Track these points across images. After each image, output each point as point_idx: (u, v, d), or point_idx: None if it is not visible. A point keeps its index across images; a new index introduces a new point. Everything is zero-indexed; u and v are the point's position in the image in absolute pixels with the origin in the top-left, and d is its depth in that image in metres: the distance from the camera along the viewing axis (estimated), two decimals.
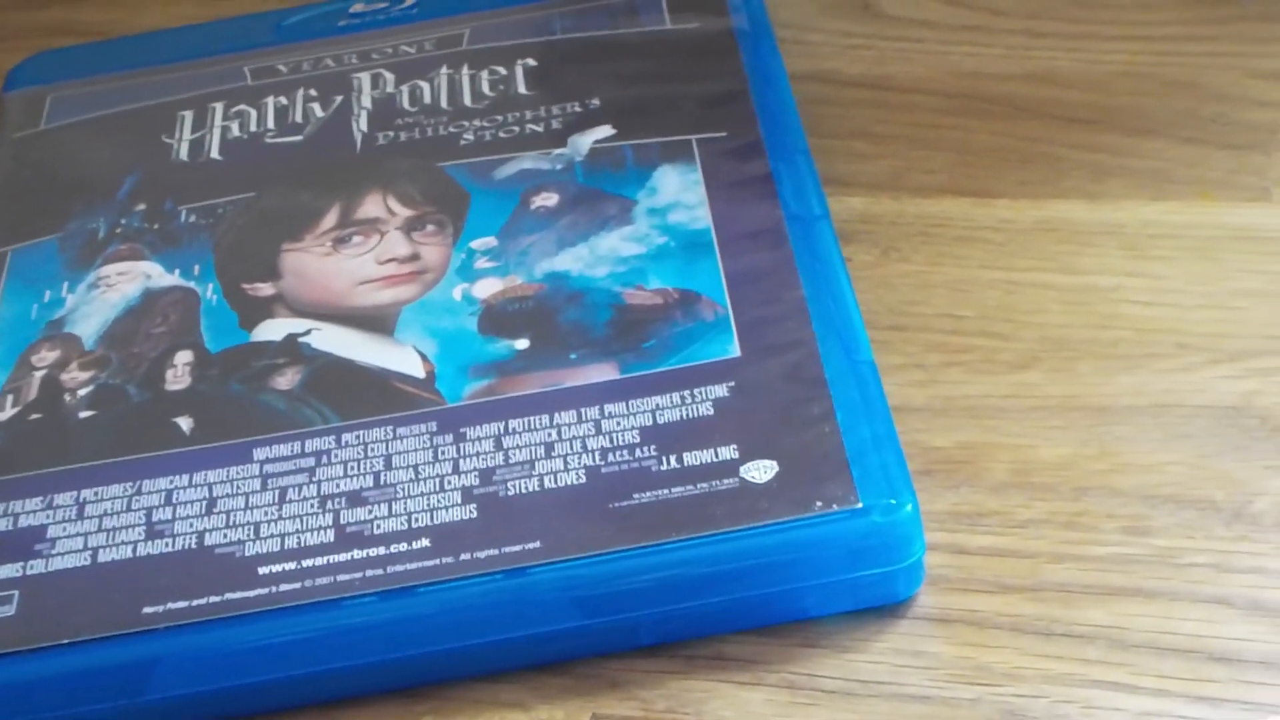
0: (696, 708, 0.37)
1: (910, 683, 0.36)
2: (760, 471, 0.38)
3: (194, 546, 0.39)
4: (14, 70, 0.54)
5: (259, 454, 0.40)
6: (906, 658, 0.37)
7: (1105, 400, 0.41)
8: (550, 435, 0.40)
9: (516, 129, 0.48)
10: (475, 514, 0.38)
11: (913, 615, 0.38)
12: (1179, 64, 0.49)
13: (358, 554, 0.38)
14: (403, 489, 0.39)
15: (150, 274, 0.46)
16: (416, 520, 0.38)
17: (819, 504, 0.37)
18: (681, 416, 0.39)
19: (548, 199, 0.46)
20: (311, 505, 0.39)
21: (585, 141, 0.47)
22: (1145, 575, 0.38)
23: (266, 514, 0.39)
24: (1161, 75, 0.49)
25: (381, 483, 0.39)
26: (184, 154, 0.49)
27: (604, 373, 0.41)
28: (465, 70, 0.50)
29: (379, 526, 0.38)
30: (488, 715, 0.37)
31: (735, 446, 0.39)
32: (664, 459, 0.39)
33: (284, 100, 0.51)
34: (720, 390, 0.40)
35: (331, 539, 0.38)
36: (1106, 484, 0.39)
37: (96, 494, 0.40)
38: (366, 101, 0.50)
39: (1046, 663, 0.36)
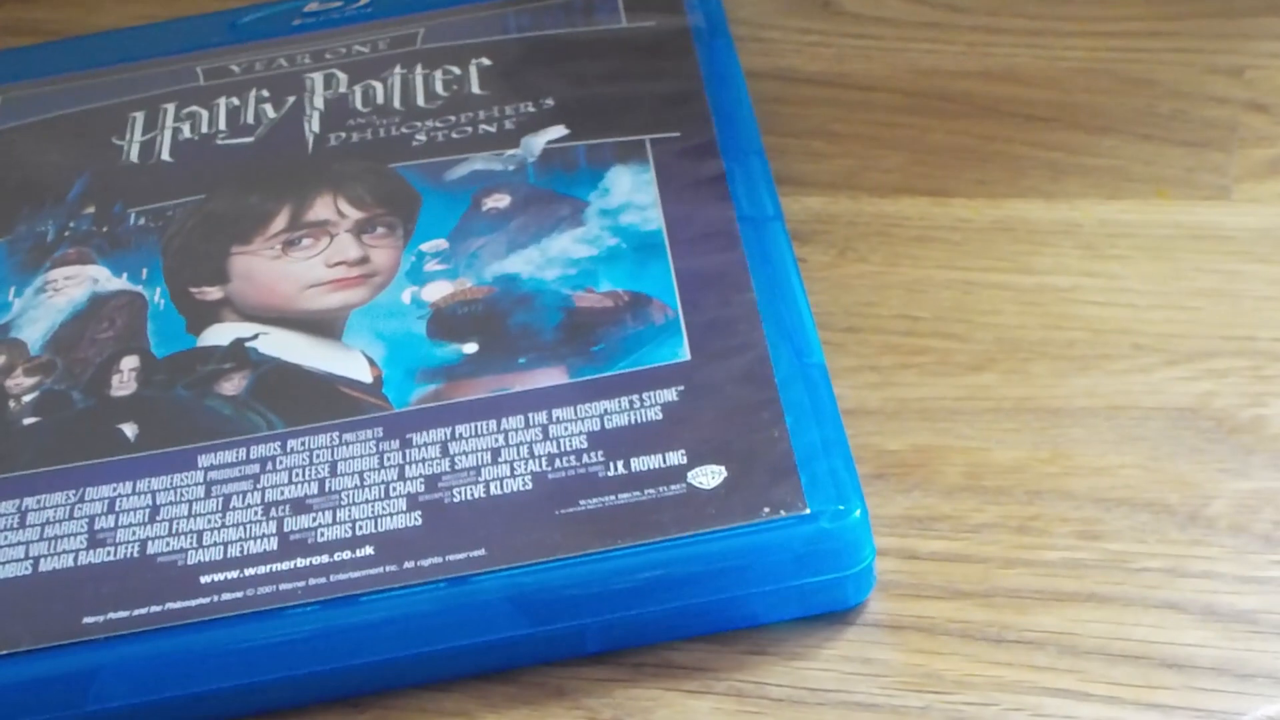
0: (644, 716, 0.36)
1: (859, 690, 0.36)
2: (708, 477, 0.37)
3: (136, 555, 0.38)
4: None
5: (203, 461, 0.40)
6: (856, 665, 0.36)
7: (1059, 402, 0.41)
8: (497, 441, 0.39)
9: (469, 129, 0.48)
10: (420, 521, 0.38)
11: (862, 622, 0.37)
12: (1137, 60, 0.49)
13: (301, 562, 0.37)
14: (347, 496, 0.39)
15: (98, 278, 0.45)
16: (361, 528, 0.38)
17: (766, 510, 0.37)
18: (630, 421, 0.39)
19: (499, 200, 0.45)
20: (255, 513, 0.39)
21: (538, 142, 0.47)
22: (1097, 580, 0.37)
23: (210, 522, 0.39)
24: (1119, 72, 0.49)
25: (326, 490, 0.39)
26: (134, 156, 0.49)
27: (552, 377, 0.40)
28: (419, 70, 0.50)
29: (323, 534, 0.38)
30: None
31: (683, 452, 0.38)
32: (611, 464, 0.38)
33: (236, 101, 0.50)
34: (669, 394, 0.39)
35: (275, 547, 0.38)
36: (1059, 487, 0.39)
37: (39, 502, 0.40)
38: (319, 102, 0.50)
39: (997, 670, 0.36)
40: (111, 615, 0.37)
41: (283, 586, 0.37)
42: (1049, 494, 0.39)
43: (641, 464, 0.38)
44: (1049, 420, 0.40)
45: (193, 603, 0.37)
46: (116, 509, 0.39)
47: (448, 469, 0.39)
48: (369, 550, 0.37)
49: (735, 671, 0.37)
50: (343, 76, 0.50)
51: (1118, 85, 0.48)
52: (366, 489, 0.39)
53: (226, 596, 0.37)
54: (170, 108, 0.50)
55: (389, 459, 0.39)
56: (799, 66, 0.51)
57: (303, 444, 0.40)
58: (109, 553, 0.38)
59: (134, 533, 0.39)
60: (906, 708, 0.36)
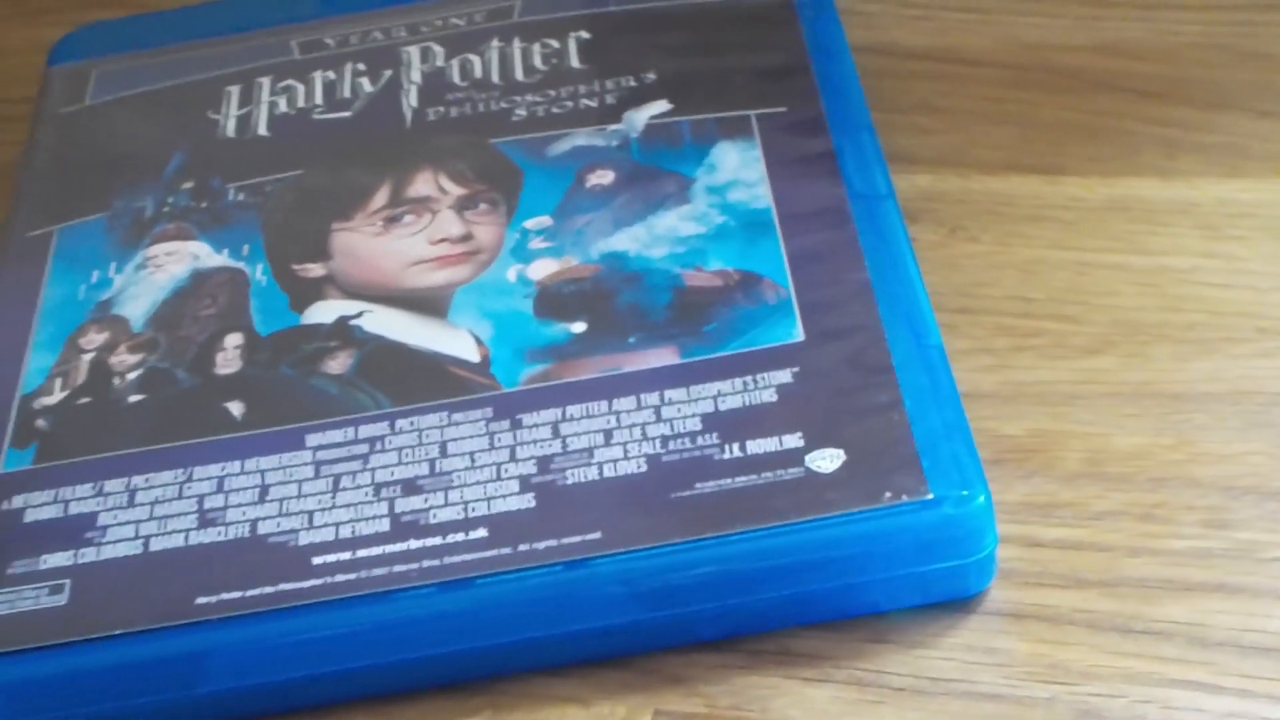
0: (762, 705, 0.36)
1: (982, 680, 0.35)
2: (826, 461, 0.37)
3: (247, 535, 0.38)
4: (58, 44, 0.53)
5: (311, 440, 0.39)
6: (978, 654, 0.36)
7: (1181, 387, 0.40)
8: (609, 422, 0.38)
9: (570, 104, 0.47)
10: (533, 503, 0.37)
11: (984, 610, 0.36)
12: (1254, 33, 0.48)
13: (414, 544, 0.37)
14: (459, 477, 0.38)
15: (198, 254, 0.45)
16: (473, 509, 0.37)
17: (888, 495, 0.36)
18: (744, 403, 0.38)
19: (603, 177, 0.45)
20: (366, 493, 0.38)
21: (641, 117, 0.46)
22: (1226, 570, 0.36)
23: (320, 502, 0.38)
24: (1236, 46, 0.48)
25: (437, 470, 0.38)
26: (231, 130, 0.49)
27: (664, 357, 0.40)
28: (517, 43, 0.49)
29: (435, 516, 0.37)
30: (546, 711, 0.36)
31: (800, 435, 0.37)
32: (726, 447, 0.37)
33: (332, 75, 0.49)
34: (784, 376, 0.39)
35: (387, 528, 0.37)
36: (1184, 474, 0.38)
37: (147, 480, 0.39)
38: (416, 76, 0.49)
39: (1124, 661, 0.35)
40: (224, 596, 0.37)
41: (396, 568, 0.37)
42: (1173, 481, 0.38)
43: (758, 446, 0.37)
44: (1171, 405, 0.40)
45: (305, 584, 0.37)
46: (225, 488, 0.39)
47: (559, 450, 0.38)
48: (482, 532, 0.37)
49: (855, 660, 0.36)
50: (439, 50, 0.50)
51: (1233, 60, 0.47)
52: (478, 470, 0.38)
53: (340, 578, 0.37)
54: (265, 81, 0.50)
55: (499, 440, 0.39)
56: (901, 40, 0.50)
57: (411, 424, 0.39)
58: (220, 533, 0.38)
59: (244, 513, 0.38)
60: (1033, 699, 0.35)
